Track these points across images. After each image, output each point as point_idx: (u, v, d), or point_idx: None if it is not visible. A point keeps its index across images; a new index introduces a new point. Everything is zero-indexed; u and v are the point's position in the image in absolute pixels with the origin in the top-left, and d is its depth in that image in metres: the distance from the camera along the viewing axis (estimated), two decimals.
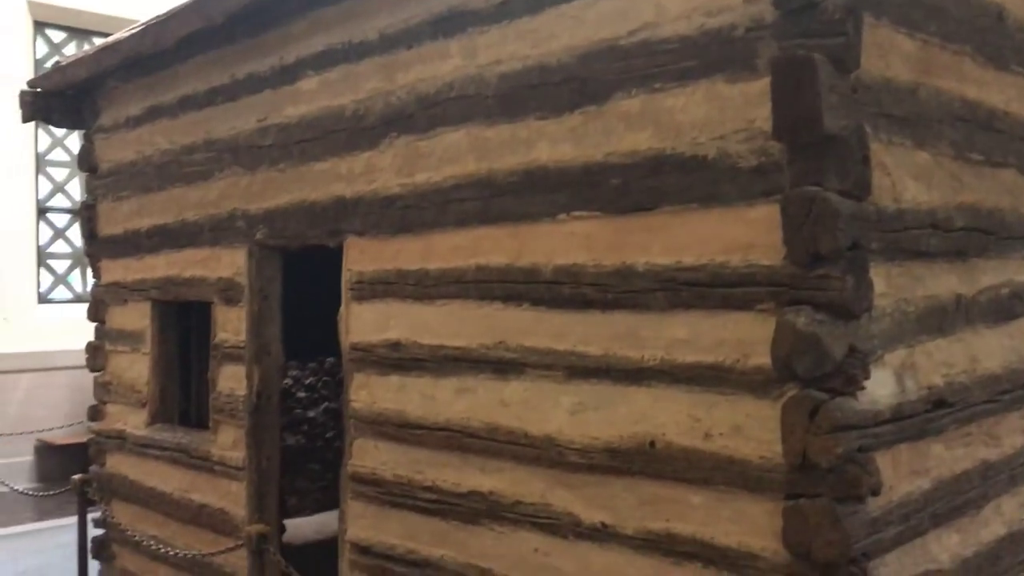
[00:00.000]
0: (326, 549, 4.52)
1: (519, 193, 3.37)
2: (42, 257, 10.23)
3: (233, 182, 4.78)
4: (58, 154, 10.46)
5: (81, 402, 9.17)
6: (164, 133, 5.25)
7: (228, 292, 4.83)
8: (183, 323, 5.54)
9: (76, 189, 10.45)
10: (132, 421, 5.56)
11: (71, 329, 9.22)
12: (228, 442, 4.80)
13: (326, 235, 4.23)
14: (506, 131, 3.41)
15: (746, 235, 2.73)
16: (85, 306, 10.22)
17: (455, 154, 3.59)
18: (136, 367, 5.55)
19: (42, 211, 10.25)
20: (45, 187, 10.29)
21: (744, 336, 2.73)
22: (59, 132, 10.34)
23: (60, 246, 10.42)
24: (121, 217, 5.67)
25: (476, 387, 3.54)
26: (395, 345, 3.87)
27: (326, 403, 7.10)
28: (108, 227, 5.79)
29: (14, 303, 9.68)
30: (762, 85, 2.69)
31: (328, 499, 7.13)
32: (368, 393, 4.01)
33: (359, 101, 4.00)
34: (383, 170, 3.92)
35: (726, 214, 2.78)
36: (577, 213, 3.18)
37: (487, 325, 3.50)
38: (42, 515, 8.34)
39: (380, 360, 3.95)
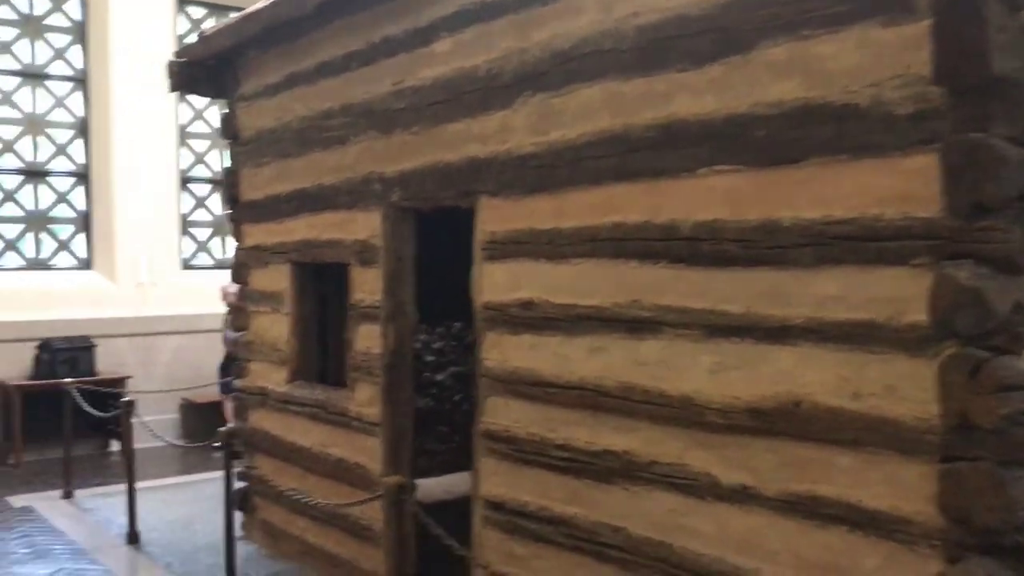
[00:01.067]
0: (454, 509, 4.61)
1: (656, 148, 3.31)
2: (185, 225, 10.73)
3: (368, 146, 4.87)
4: (199, 126, 10.91)
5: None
6: (302, 100, 5.40)
7: (364, 254, 4.94)
8: (320, 284, 5.71)
9: (216, 160, 10.90)
10: (273, 378, 5.78)
11: (213, 294, 9.68)
12: (365, 399, 4.94)
13: (459, 196, 4.27)
14: (643, 85, 3.35)
15: (901, 186, 2.60)
16: (224, 272, 10.77)
17: (590, 110, 3.55)
18: (277, 327, 5.75)
19: (184, 181, 10.73)
20: (187, 158, 10.76)
21: (898, 292, 2.60)
22: (199, 104, 10.78)
23: (201, 214, 10.90)
24: (262, 183, 5.87)
25: (610, 346, 3.51)
26: (527, 304, 3.88)
27: (453, 367, 7.21)
28: (250, 192, 6.01)
29: (161, 269, 10.20)
30: (920, 28, 2.55)
31: (455, 461, 7.26)
32: (500, 352, 4.04)
33: (493, 60, 4.00)
34: (516, 129, 3.92)
35: (880, 165, 2.65)
36: (718, 167, 3.09)
37: (621, 283, 3.46)
38: (188, 468, 8.81)
39: (512, 319, 3.97)
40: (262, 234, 5.90)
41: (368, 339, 4.91)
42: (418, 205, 4.63)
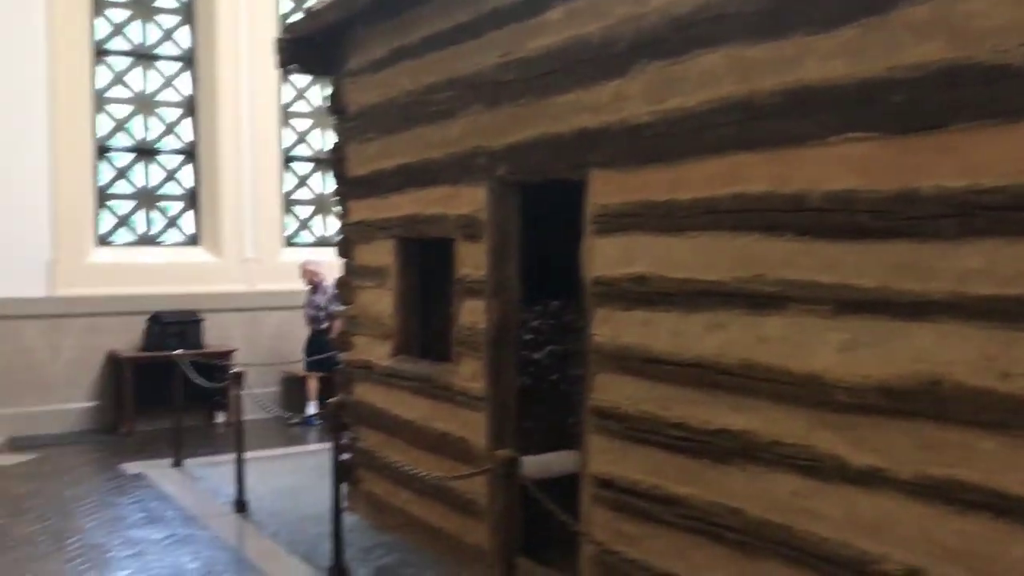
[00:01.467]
0: (553, 488, 4.55)
1: (783, 115, 3.17)
2: (287, 203, 10.93)
3: (475, 119, 4.83)
4: (300, 106, 11.10)
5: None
6: (408, 74, 5.39)
7: (469, 228, 4.91)
8: (424, 259, 5.72)
9: (317, 139, 11.07)
10: (378, 352, 5.83)
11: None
12: (469, 373, 4.93)
13: (569, 168, 4.20)
14: (769, 50, 3.21)
15: None
16: (325, 249, 10.95)
17: (711, 77, 3.43)
18: (381, 301, 5.79)
19: (287, 160, 10.92)
20: (289, 137, 10.94)
21: None
22: (301, 84, 10.96)
23: (303, 193, 11.09)
24: (367, 158, 5.90)
25: (729, 323, 3.40)
26: (640, 279, 3.79)
27: (550, 346, 7.16)
28: (356, 168, 6.05)
29: (264, 245, 10.43)
30: None
31: (553, 440, 7.22)
32: (611, 327, 3.96)
33: (607, 28, 3.90)
34: (631, 98, 3.82)
35: None
36: (851, 135, 2.94)
37: (743, 257, 3.34)
38: (291, 440, 9.01)
39: (624, 294, 3.88)
40: (367, 210, 5.93)
41: (473, 314, 4.90)
42: (524, 179, 4.57)
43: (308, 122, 11.11)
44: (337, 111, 6.18)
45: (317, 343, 9.61)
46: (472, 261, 4.90)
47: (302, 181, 11.11)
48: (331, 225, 11.19)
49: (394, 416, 5.62)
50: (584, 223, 4.09)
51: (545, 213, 4.78)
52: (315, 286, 9.72)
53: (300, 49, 6.14)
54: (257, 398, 7.15)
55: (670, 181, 3.65)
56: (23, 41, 9.10)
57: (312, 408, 9.56)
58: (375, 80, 5.74)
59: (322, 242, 11.08)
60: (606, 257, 3.97)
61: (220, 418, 9.86)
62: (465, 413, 4.95)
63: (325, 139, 11.09)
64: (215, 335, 9.88)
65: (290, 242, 10.95)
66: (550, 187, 4.50)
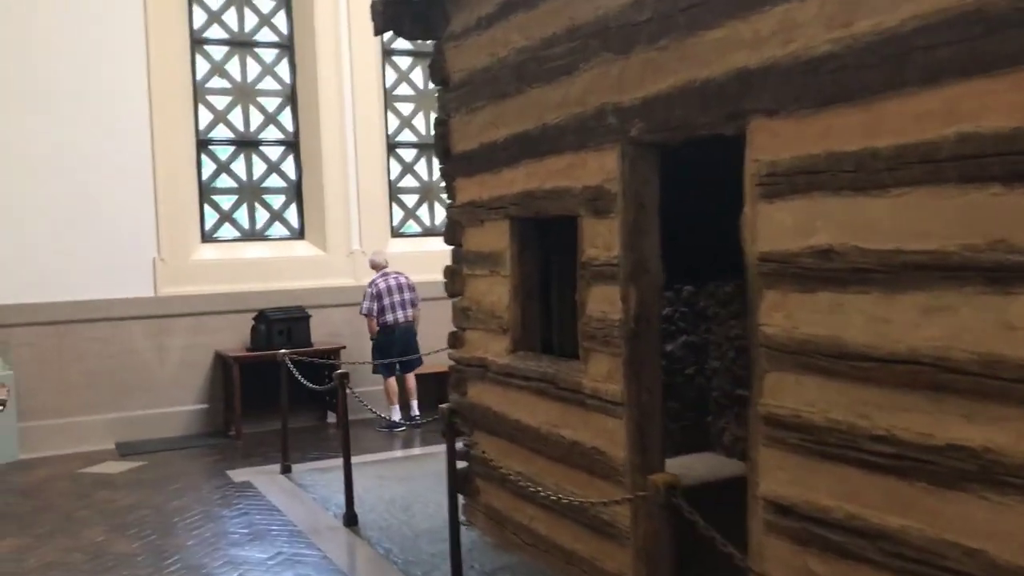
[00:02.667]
0: (695, 496, 3.80)
1: None
2: (393, 192, 10.41)
3: (601, 72, 4.10)
4: (403, 89, 10.57)
5: (433, 332, 9.27)
6: (520, 29, 4.69)
7: (597, 202, 4.19)
8: (544, 241, 5.03)
9: (421, 123, 10.53)
10: (493, 348, 5.17)
11: (423, 262, 9.30)
12: (601, 373, 4.21)
13: (722, 120, 3.42)
14: None
15: None
16: (432, 239, 10.39)
17: None
18: (496, 291, 5.13)
19: (391, 147, 10.41)
20: (392, 123, 10.43)
21: None
22: (403, 66, 10.43)
23: (408, 180, 10.56)
24: (475, 130, 5.24)
25: (958, 305, 2.58)
26: (825, 253, 2.99)
27: (684, 336, 6.38)
28: (462, 142, 5.40)
29: (370, 236, 9.94)
30: None
31: (688, 441, 6.45)
32: (786, 315, 3.17)
33: None
34: (805, 25, 3.01)
35: None
36: None
37: (975, 218, 2.51)
38: (405, 443, 8.48)
39: (803, 273, 3.09)
40: (476, 188, 5.27)
41: (604, 303, 4.17)
42: (664, 138, 3.81)
43: (411, 105, 10.56)
44: (440, 80, 5.54)
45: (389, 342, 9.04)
46: (602, 240, 4.17)
47: (407, 168, 10.58)
48: (439, 214, 10.62)
49: (514, 421, 4.95)
50: (745, 186, 3.31)
51: (665, 181, 4.02)
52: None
53: (398, 11, 5.51)
54: (365, 397, 6.60)
55: (863, 125, 2.84)
56: (123, 34, 8.82)
57: (396, 413, 8.94)
58: (481, 40, 5.06)
59: (429, 232, 10.53)
60: (777, 227, 3.18)
61: (332, 418, 9.43)
62: (598, 419, 4.23)
63: (430, 122, 10.52)
64: (322, 331, 9.45)
65: (397, 232, 10.44)
66: (685, 147, 3.75)
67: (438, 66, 5.53)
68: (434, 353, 8.27)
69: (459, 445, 5.66)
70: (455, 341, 5.61)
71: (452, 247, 5.63)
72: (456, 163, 5.48)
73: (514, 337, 5.00)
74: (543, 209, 4.64)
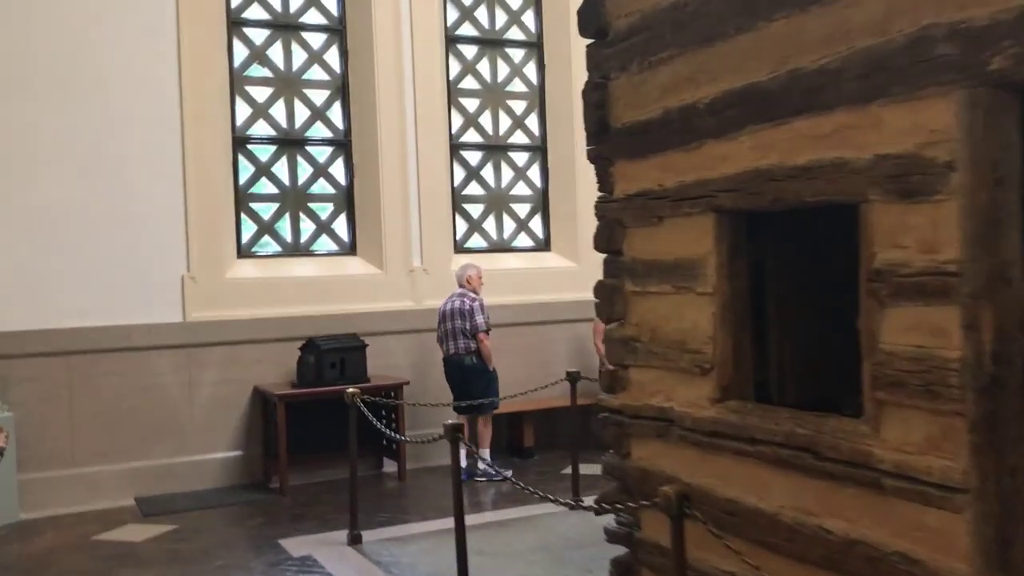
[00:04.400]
0: None
1: None
2: (456, 201, 9.00)
3: None
4: (468, 82, 9.30)
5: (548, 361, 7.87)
6: None
7: (906, 178, 2.74)
8: (752, 244, 3.60)
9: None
10: (684, 395, 3.71)
11: (496, 280, 7.92)
12: (914, 439, 2.74)
13: None
14: None
15: None
16: (502, 255, 8.99)
17: None
18: (687, 314, 3.68)
19: (455, 148, 9.01)
20: (456, 121, 9.05)
21: None
22: (468, 55, 9.11)
23: (473, 188, 9.17)
24: (653, 93, 3.81)
25: None
26: None
27: None
28: (629, 111, 3.97)
29: (433, 254, 8.48)
30: None
31: None
32: None
33: None
34: None
35: None
36: None
37: None
38: (491, 500, 7.00)
39: None
40: (654, 172, 3.84)
41: (919, 332, 2.71)
42: None
43: (475, 102, 9.17)
44: (595, 31, 4.12)
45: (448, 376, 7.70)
46: (915, 236, 2.72)
47: (473, 173, 9.17)
48: (507, 226, 9.20)
49: (726, 500, 3.47)
50: None
51: None
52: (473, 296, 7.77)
53: None
54: (428, 440, 5.12)
55: None
56: (150, 10, 7.44)
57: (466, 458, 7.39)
58: None
59: (497, 247, 9.11)
60: None
61: (390, 467, 7.96)
62: (908, 511, 2.76)
63: (498, 121, 9.16)
64: (378, 363, 7.99)
65: (461, 248, 9.00)
66: None
67: (593, 11, 4.11)
68: (528, 392, 6.85)
69: (610, 521, 4.24)
70: (612, 383, 4.14)
71: (607, 255, 4.19)
72: (617, 140, 4.05)
73: (723, 380, 3.54)
74: (789, 195, 3.19)
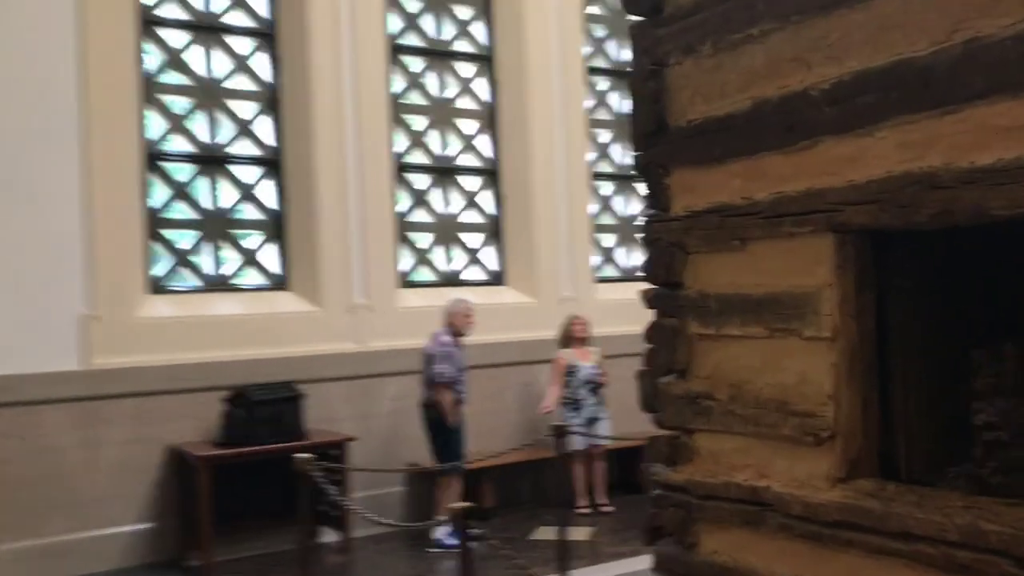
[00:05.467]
0: None
1: None
2: (401, 228, 8.04)
3: None
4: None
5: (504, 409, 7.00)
6: None
7: None
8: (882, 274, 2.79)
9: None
10: (785, 470, 2.85)
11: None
12: None
13: None
14: None
15: None
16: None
17: None
18: (790, 365, 2.83)
19: (398, 170, 8.06)
20: (401, 143, 8.12)
21: None
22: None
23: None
24: (736, 80, 2.98)
25: None
26: None
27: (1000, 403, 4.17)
28: (699, 105, 3.13)
29: (378, 288, 7.50)
30: None
31: None
32: None
33: None
34: None
35: None
36: None
37: None
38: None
39: None
40: (734, 182, 3.00)
41: None
42: None
43: (422, 119, 8.25)
44: (648, 7, 3.28)
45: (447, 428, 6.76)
46: None
47: (419, 198, 8.21)
48: (457, 257, 8.27)
49: None
50: None
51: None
52: (457, 335, 6.89)
53: None
54: (374, 502, 4.16)
55: None
56: (46, 3, 6.30)
57: (441, 529, 6.56)
58: None
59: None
60: None
61: (328, 536, 6.87)
62: None
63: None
64: (317, 415, 6.94)
65: (406, 282, 8.02)
66: None
67: None
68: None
69: None
70: (672, 453, 3.25)
71: (657, 287, 3.31)
72: (678, 143, 3.20)
73: (849, 452, 2.69)
74: (964, 207, 2.38)
